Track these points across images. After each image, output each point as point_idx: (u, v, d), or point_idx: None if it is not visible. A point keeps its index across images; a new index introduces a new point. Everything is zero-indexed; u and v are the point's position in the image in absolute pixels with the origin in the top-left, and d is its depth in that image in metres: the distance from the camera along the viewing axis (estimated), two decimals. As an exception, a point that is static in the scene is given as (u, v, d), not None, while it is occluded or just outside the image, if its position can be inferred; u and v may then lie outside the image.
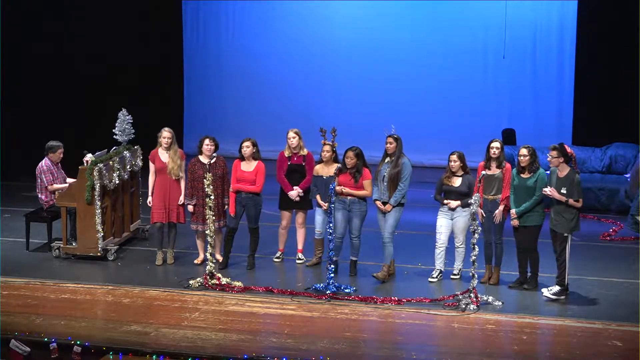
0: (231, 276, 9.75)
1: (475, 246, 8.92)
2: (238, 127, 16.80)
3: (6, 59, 15.26)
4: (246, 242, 10.29)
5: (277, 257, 10.58)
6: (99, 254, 10.40)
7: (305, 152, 10.37)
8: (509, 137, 15.20)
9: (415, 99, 17.19)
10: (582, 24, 15.99)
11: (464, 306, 8.86)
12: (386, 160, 9.84)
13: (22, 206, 12.50)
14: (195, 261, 10.39)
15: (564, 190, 9.05)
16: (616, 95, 15.62)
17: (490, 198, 9.60)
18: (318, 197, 10.10)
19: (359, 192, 9.83)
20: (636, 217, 11.57)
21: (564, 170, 9.14)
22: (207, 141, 10.14)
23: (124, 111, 11.18)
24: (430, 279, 9.85)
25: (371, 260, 10.25)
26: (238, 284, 9.50)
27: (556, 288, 9.19)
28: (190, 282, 9.59)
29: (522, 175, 9.38)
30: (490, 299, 9.07)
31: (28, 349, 8.02)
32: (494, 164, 9.60)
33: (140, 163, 11.51)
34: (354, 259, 10.04)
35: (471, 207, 8.94)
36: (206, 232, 9.65)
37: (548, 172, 9.42)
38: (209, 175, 9.54)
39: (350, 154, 9.79)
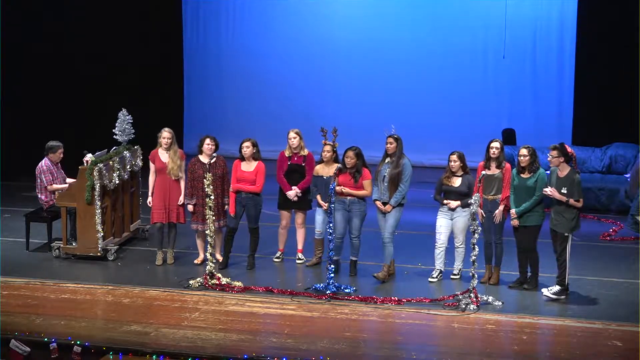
0: (231, 276, 9.75)
1: (475, 246, 8.92)
2: (238, 127, 16.80)
3: (6, 59, 15.26)
4: (246, 242, 10.29)
5: (277, 257, 10.58)
6: (99, 254, 10.40)
7: (305, 152, 10.37)
8: (509, 137, 15.20)
9: (415, 99, 17.19)
10: (582, 24, 15.99)
11: (464, 306, 8.86)
12: (386, 161, 9.84)
13: (22, 206, 12.49)
14: (195, 261, 10.39)
15: (564, 190, 9.05)
16: (616, 95, 15.62)
17: (490, 198, 9.60)
18: (318, 197, 10.10)
19: (359, 192, 9.84)
20: (636, 217, 11.57)
21: (564, 170, 9.14)
22: (207, 140, 10.14)
23: (124, 111, 11.18)
24: (430, 279, 9.85)
25: (371, 260, 10.25)
26: (238, 284, 9.50)
27: (556, 288, 9.19)
28: (190, 282, 9.59)
29: (522, 175, 9.38)
30: (490, 299, 9.07)
31: (28, 349, 8.02)
32: (493, 164, 9.60)
33: (140, 163, 11.51)
34: (354, 259, 10.04)
35: (471, 207, 8.95)
36: (206, 232, 9.66)
37: (548, 172, 9.43)
38: (209, 175, 9.54)
39: (350, 153, 9.79)
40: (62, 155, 10.96)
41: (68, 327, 8.36)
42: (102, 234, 10.38)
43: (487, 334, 8.33)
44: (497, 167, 9.60)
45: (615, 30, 15.39)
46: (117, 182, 10.75)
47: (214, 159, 10.10)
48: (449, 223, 9.72)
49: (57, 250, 10.60)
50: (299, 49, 17.71)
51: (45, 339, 8.04)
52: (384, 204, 9.77)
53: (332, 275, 9.38)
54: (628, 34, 14.88)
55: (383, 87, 17.31)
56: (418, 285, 9.67)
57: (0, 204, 13.02)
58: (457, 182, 9.67)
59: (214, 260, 9.65)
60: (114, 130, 11.15)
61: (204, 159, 10.13)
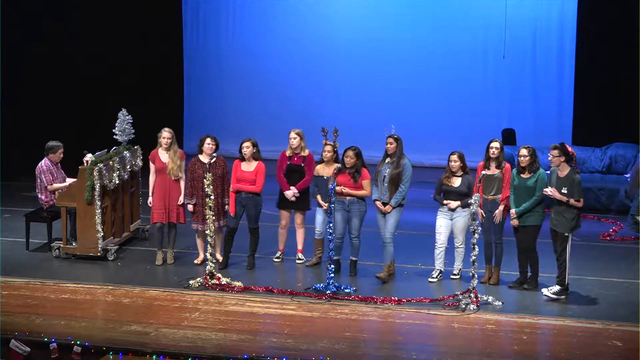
0: (231, 276, 9.75)
1: (475, 246, 8.92)
2: (238, 127, 16.80)
3: (6, 59, 15.26)
4: (246, 242, 10.29)
5: (277, 257, 10.58)
6: (99, 254, 10.40)
7: (306, 152, 10.36)
8: (509, 137, 15.20)
9: (415, 99, 17.19)
10: (582, 24, 15.99)
11: (464, 306, 8.86)
12: (387, 161, 9.84)
13: (22, 206, 12.49)
14: (195, 261, 10.39)
15: (564, 190, 9.05)
16: (616, 95, 15.62)
17: (490, 198, 9.60)
18: (319, 197, 10.10)
19: (359, 192, 9.84)
20: (636, 217, 11.57)
21: (564, 170, 9.14)
22: (208, 140, 10.14)
23: (124, 111, 11.18)
24: (430, 279, 9.85)
25: (371, 260, 10.25)
26: (238, 284, 9.50)
27: (556, 288, 9.19)
28: (190, 282, 9.59)
29: (522, 175, 9.38)
30: (490, 299, 9.07)
31: (28, 349, 8.02)
32: (493, 164, 9.61)
33: (140, 163, 11.51)
34: (353, 259, 10.04)
35: (471, 207, 8.95)
36: (206, 232, 9.66)
37: (548, 172, 9.43)
38: (209, 175, 9.54)
39: (350, 153, 9.79)
40: (62, 155, 10.96)
41: (68, 327, 8.36)
42: (102, 234, 10.38)
43: (487, 334, 8.33)
44: (497, 167, 9.60)
45: (615, 30, 15.39)
46: (117, 182, 10.75)
47: (214, 159, 10.10)
48: (448, 223, 9.72)
49: (57, 250, 10.60)
50: (299, 49, 17.71)
51: (45, 339, 8.04)
52: (384, 204, 9.77)
53: (332, 275, 9.38)
54: (628, 34, 14.88)
55: (383, 87, 17.31)
56: (418, 285, 9.67)
57: (0, 204, 13.02)
58: (457, 182, 9.67)
59: (214, 260, 9.65)
60: (114, 130, 11.16)
61: (204, 158, 10.13)
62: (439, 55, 17.09)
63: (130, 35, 17.08)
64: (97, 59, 16.82)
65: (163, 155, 10.32)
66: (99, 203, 10.31)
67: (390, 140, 9.78)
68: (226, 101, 18.18)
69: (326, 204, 9.89)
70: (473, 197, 9.01)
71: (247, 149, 10.05)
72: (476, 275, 9.01)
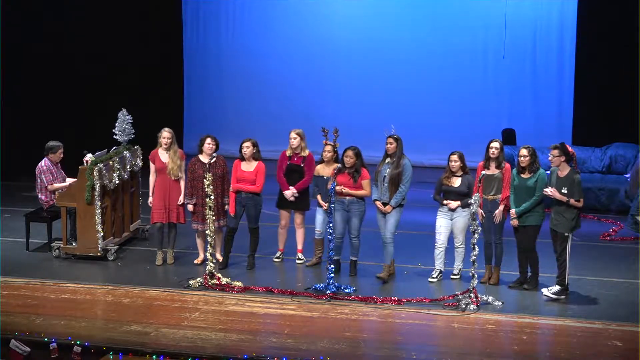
0: (231, 276, 9.75)
1: (475, 246, 8.92)
2: (238, 127, 16.80)
3: (6, 59, 15.26)
4: (246, 242, 10.29)
5: (277, 257, 10.58)
6: (99, 254, 10.40)
7: (306, 153, 10.36)
8: (509, 137, 15.20)
9: (415, 99, 17.19)
10: (582, 24, 15.99)
11: (464, 306, 8.86)
12: (387, 161, 9.84)
13: (22, 206, 12.49)
14: (195, 261, 10.39)
15: (564, 190, 9.05)
16: (616, 95, 15.62)
17: (490, 198, 9.60)
18: (319, 197, 10.10)
19: (358, 192, 9.84)
20: (636, 217, 11.57)
21: (564, 170, 9.14)
22: (208, 140, 10.14)
23: (124, 111, 11.18)
24: (430, 279, 9.85)
25: (371, 260, 10.25)
26: (238, 284, 9.50)
27: (556, 288, 9.20)
28: (190, 282, 9.59)
29: (522, 175, 9.38)
30: (490, 299, 9.07)
31: (28, 349, 8.02)
32: (493, 164, 9.61)
33: (140, 163, 11.51)
34: (353, 259, 10.04)
35: (471, 207, 8.95)
36: (206, 232, 9.66)
37: (548, 172, 9.43)
38: (209, 175, 9.54)
39: (350, 153, 9.79)
40: (62, 155, 10.96)
41: (68, 327, 8.36)
42: (102, 234, 10.38)
43: (487, 334, 8.33)
44: (497, 167, 9.60)
45: (615, 30, 15.39)
46: (117, 182, 10.75)
47: (214, 159, 10.10)
48: (448, 223, 9.72)
49: (57, 250, 10.60)
50: (299, 49, 17.71)
51: (45, 339, 8.04)
52: (384, 204, 9.77)
53: (332, 275, 9.38)
54: (628, 34, 14.88)
55: (383, 87, 17.31)
56: (418, 285, 9.67)
57: (0, 204, 13.02)
58: (456, 182, 9.67)
59: (214, 260, 9.65)
60: (114, 130, 11.16)
61: (204, 158, 10.13)
62: (439, 55, 17.10)
63: (130, 35, 17.08)
64: (97, 59, 16.82)
65: (163, 155, 10.32)
66: (99, 203, 10.31)
67: (390, 140, 9.78)
68: (226, 101, 18.19)
69: (326, 204, 9.89)
70: (473, 197, 9.02)
71: (247, 149, 10.05)
72: (476, 275, 9.01)
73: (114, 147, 11.15)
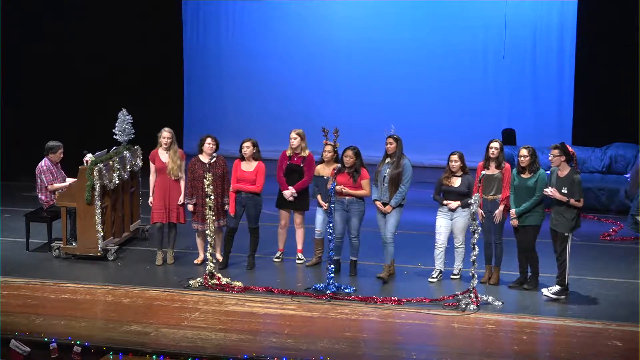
0: (231, 276, 9.75)
1: (475, 246, 8.92)
2: (238, 127, 16.80)
3: (6, 59, 15.26)
4: (246, 242, 10.29)
5: (277, 257, 10.58)
6: (99, 254, 10.40)
7: (306, 153, 10.36)
8: (509, 137, 15.20)
9: (415, 99, 17.19)
10: (582, 24, 15.99)
11: (464, 306, 8.86)
12: (387, 161, 9.84)
13: (22, 206, 12.50)
14: (195, 261, 10.39)
15: (564, 190, 9.05)
16: (616, 95, 15.62)
17: (489, 198, 9.60)
18: (319, 197, 10.10)
19: (358, 192, 9.84)
20: (636, 217, 11.57)
21: (564, 170, 9.14)
22: (209, 140, 10.14)
23: (124, 111, 11.18)
24: (430, 279, 9.85)
25: (371, 260, 10.25)
26: (238, 284, 9.50)
27: (556, 288, 9.20)
28: (190, 282, 9.59)
29: (522, 175, 9.38)
30: (490, 299, 9.07)
31: (28, 349, 8.02)
32: (492, 164, 9.61)
33: (140, 163, 11.51)
34: (353, 258, 10.04)
35: (471, 207, 8.95)
36: (206, 232, 9.66)
37: (548, 172, 9.43)
38: (209, 175, 9.54)
39: (349, 152, 9.80)
40: (62, 155, 10.96)
41: (68, 327, 8.36)
42: (102, 234, 10.38)
43: (487, 334, 8.33)
44: (497, 167, 9.60)
45: (615, 30, 15.39)
46: (117, 182, 10.75)
47: (214, 159, 10.10)
48: (448, 223, 9.72)
49: (57, 250, 10.60)
50: (299, 49, 17.71)
51: (45, 339, 8.04)
52: (384, 204, 9.77)
53: (332, 275, 9.38)
54: (628, 34, 14.88)
55: (383, 87, 17.31)
56: (418, 285, 9.67)
57: (0, 204, 13.02)
58: (456, 182, 9.67)
59: (214, 260, 9.65)
60: (114, 130, 11.16)
61: (204, 158, 10.13)
62: (439, 55, 17.10)
63: (130, 35, 17.08)
64: (97, 59, 16.82)
65: (163, 155, 10.32)
66: (99, 203, 10.31)
67: (390, 140, 9.78)
68: (226, 101, 18.19)
69: (326, 204, 9.89)
70: (473, 197, 9.02)
71: (248, 148, 10.05)
72: (476, 275, 9.01)
73: (114, 147, 11.15)
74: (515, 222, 9.39)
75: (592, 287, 9.65)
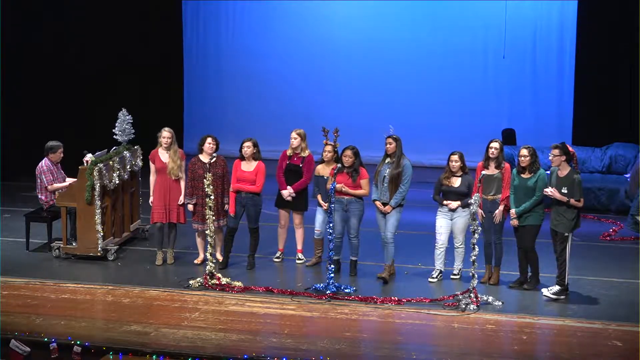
0: (231, 276, 9.75)
1: (475, 246, 8.92)
2: (238, 127, 16.79)
3: (6, 59, 15.26)
4: (246, 242, 10.30)
5: (277, 257, 10.58)
6: (99, 254, 10.40)
7: (306, 153, 10.36)
8: (509, 137, 15.20)
9: (415, 99, 17.19)
10: (582, 24, 15.98)
11: (464, 306, 8.86)
12: (387, 161, 9.84)
13: (22, 206, 12.50)
14: (195, 261, 10.39)
15: (564, 190, 9.05)
16: (616, 95, 15.62)
17: (489, 198, 9.60)
18: (319, 197, 10.10)
19: (357, 191, 9.84)
20: (636, 217, 11.57)
21: (564, 170, 9.14)
22: (209, 139, 10.15)
23: (124, 111, 11.18)
24: (430, 279, 9.85)
25: (371, 260, 10.25)
26: (238, 284, 9.50)
27: (556, 288, 9.20)
28: (190, 282, 9.59)
29: (522, 175, 9.38)
30: (490, 299, 9.07)
31: (28, 349, 8.02)
32: (492, 164, 9.61)
33: (140, 163, 11.51)
34: (353, 258, 10.03)
35: (471, 207, 8.95)
36: (206, 231, 9.66)
37: (548, 172, 9.43)
38: (209, 175, 9.54)
39: (349, 152, 9.80)
40: (62, 155, 10.96)
41: (68, 327, 8.36)
42: (102, 234, 10.38)
43: (487, 334, 8.33)
44: (497, 167, 9.61)
45: (615, 30, 15.39)
46: (117, 182, 10.75)
47: (214, 159, 10.10)
48: (448, 223, 9.72)
49: (57, 250, 10.60)
50: (299, 49, 17.71)
51: (45, 339, 8.04)
52: (384, 204, 9.77)
53: (332, 275, 9.38)
54: (628, 34, 14.88)
55: (383, 87, 17.31)
56: (418, 285, 9.67)
57: (0, 204, 13.02)
58: (456, 182, 9.67)
59: (214, 260, 9.65)
60: (114, 130, 11.16)
61: (204, 158, 10.13)
62: (439, 55, 17.10)
63: (130, 35, 17.07)
64: (98, 59, 16.82)
65: (163, 155, 10.32)
66: (99, 203, 10.31)
67: (390, 140, 9.79)
68: (226, 101, 18.18)
69: (326, 204, 9.89)
70: (473, 197, 9.02)
71: (248, 148, 10.05)
72: (476, 275, 9.01)
73: (114, 147, 11.15)
74: (515, 222, 9.39)
75: (592, 287, 9.65)
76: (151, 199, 10.38)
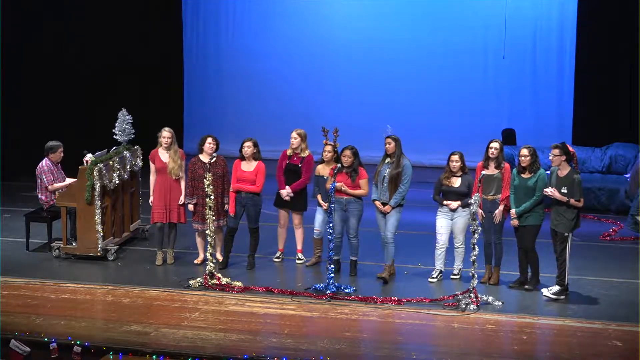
0: (231, 276, 9.75)
1: (475, 246, 8.92)
2: (238, 127, 16.79)
3: (6, 59, 15.26)
4: (246, 242, 10.30)
5: (277, 257, 10.58)
6: (99, 254, 10.40)
7: (305, 154, 10.36)
8: (509, 137, 15.20)
9: (415, 99, 17.19)
10: (582, 24, 15.98)
11: (464, 306, 8.86)
12: (386, 161, 9.84)
13: (22, 206, 12.51)
14: (195, 261, 10.39)
15: (564, 190, 9.05)
16: (616, 95, 15.62)
17: (489, 198, 9.60)
18: (319, 196, 10.10)
19: (357, 191, 9.84)
20: (636, 217, 11.57)
21: (564, 170, 9.14)
22: (209, 139, 10.15)
23: (124, 111, 11.18)
24: (430, 279, 9.85)
25: (371, 260, 10.25)
26: (238, 284, 9.50)
27: (556, 288, 9.20)
28: (190, 282, 9.59)
29: (522, 175, 9.38)
30: (490, 299, 9.07)
31: (28, 349, 8.02)
32: (492, 164, 9.61)
33: (140, 163, 11.52)
34: (353, 258, 10.03)
35: (471, 207, 8.94)
36: (206, 231, 9.66)
37: (548, 172, 9.43)
38: (209, 175, 9.54)
39: (348, 152, 9.80)
40: (62, 155, 10.96)
41: (68, 327, 8.36)
42: (102, 234, 10.38)
43: (487, 334, 8.33)
44: (496, 167, 9.60)
45: (615, 30, 15.39)
46: (117, 182, 10.75)
47: (214, 159, 10.10)
48: (449, 223, 9.72)
49: (57, 250, 10.60)
50: (299, 49, 17.71)
51: (45, 339, 8.04)
52: (384, 204, 9.77)
53: (332, 275, 9.38)
54: (628, 34, 14.88)
55: (383, 87, 17.32)
56: (418, 285, 9.67)
57: (0, 204, 13.02)
58: (456, 182, 9.67)
59: (214, 260, 9.65)
60: (114, 130, 11.16)
61: (204, 158, 10.13)
62: (439, 55, 17.10)
63: (130, 35, 17.07)
64: (97, 59, 16.81)
65: (163, 154, 10.32)
66: (99, 203, 10.31)
67: (389, 140, 9.79)
68: (226, 101, 18.19)
69: (326, 204, 9.88)
70: (473, 197, 9.02)
71: (249, 148, 10.05)
72: (476, 275, 9.01)
73: (114, 147, 11.15)
74: (515, 222, 9.39)
75: (592, 287, 9.65)
76: (151, 199, 10.38)
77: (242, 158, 10.13)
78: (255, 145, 10.10)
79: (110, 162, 10.60)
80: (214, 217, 9.60)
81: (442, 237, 9.75)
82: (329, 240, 9.48)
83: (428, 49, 17.12)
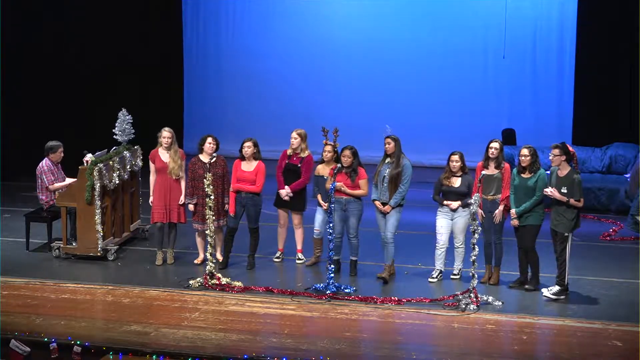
0: (231, 276, 9.75)
1: (475, 246, 8.92)
2: (238, 127, 16.79)
3: (6, 59, 15.26)
4: (246, 242, 10.30)
5: (277, 257, 10.58)
6: (99, 254, 10.40)
7: (305, 154, 10.36)
8: (509, 137, 15.20)
9: (415, 99, 17.19)
10: (582, 24, 15.98)
11: (464, 306, 8.86)
12: (386, 161, 9.85)
13: (22, 206, 12.50)
14: (195, 261, 10.39)
15: (564, 190, 9.05)
16: (616, 95, 15.62)
17: (489, 198, 9.60)
18: (319, 196, 10.10)
19: (356, 191, 9.84)
20: (636, 217, 11.57)
21: (564, 170, 9.14)
22: (209, 139, 10.15)
23: (124, 111, 11.18)
24: (430, 279, 9.85)
25: (371, 260, 10.25)
26: (238, 284, 9.50)
27: (556, 288, 9.20)
28: (190, 282, 9.59)
29: (522, 175, 9.38)
30: (490, 299, 9.07)
31: (28, 349, 8.02)
32: (492, 164, 9.61)
33: (140, 163, 11.52)
34: (353, 258, 10.03)
35: (471, 207, 8.95)
36: (206, 231, 9.66)
37: (548, 172, 9.43)
38: (209, 175, 9.55)
39: (347, 152, 9.80)
40: (62, 155, 10.96)
41: (68, 327, 8.36)
42: (102, 234, 10.38)
43: (487, 334, 8.33)
44: (496, 167, 9.61)
45: (615, 30, 15.39)
46: (117, 182, 10.75)
47: (214, 159, 10.10)
48: (449, 223, 9.72)
49: (57, 250, 10.60)
50: (299, 49, 17.71)
51: (45, 339, 8.04)
52: (384, 204, 9.77)
53: (332, 275, 9.38)
54: (628, 34, 14.88)
55: (383, 87, 17.32)
56: (418, 285, 9.67)
57: (0, 204, 13.02)
58: (456, 182, 9.67)
59: (214, 260, 9.65)
60: (114, 130, 11.16)
61: (204, 158, 10.13)
62: (439, 55, 17.10)
63: (130, 35, 17.08)
64: (97, 59, 16.82)
65: (163, 154, 10.32)
66: (99, 203, 10.31)
67: (388, 140, 9.79)
68: (226, 101, 18.19)
69: (326, 204, 9.88)
70: (473, 197, 9.02)
71: (248, 148, 10.05)
72: (476, 275, 9.01)
73: (114, 147, 11.15)
74: (515, 222, 9.39)
75: (592, 287, 9.65)
76: (151, 198, 10.38)
77: (242, 158, 10.13)
78: (255, 145, 10.10)
79: (110, 162, 10.61)
80: (214, 217, 9.60)
81: (442, 237, 9.75)
82: (329, 240, 9.49)
83: (428, 49, 17.12)
